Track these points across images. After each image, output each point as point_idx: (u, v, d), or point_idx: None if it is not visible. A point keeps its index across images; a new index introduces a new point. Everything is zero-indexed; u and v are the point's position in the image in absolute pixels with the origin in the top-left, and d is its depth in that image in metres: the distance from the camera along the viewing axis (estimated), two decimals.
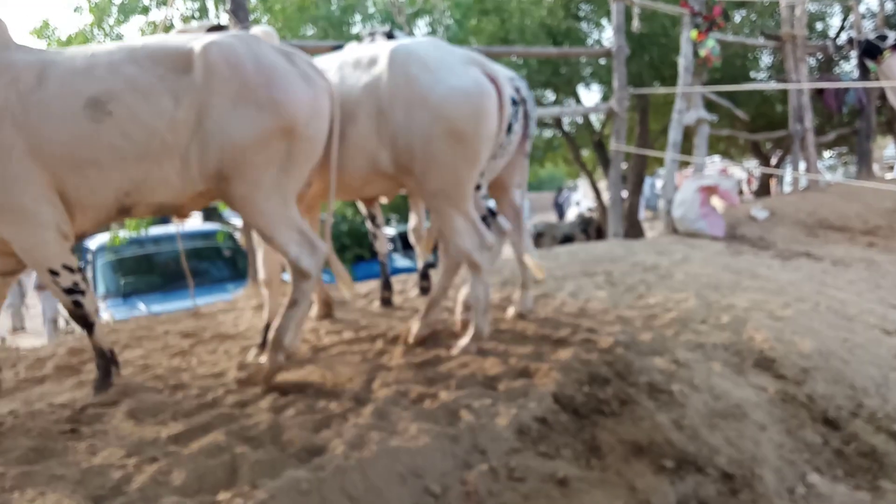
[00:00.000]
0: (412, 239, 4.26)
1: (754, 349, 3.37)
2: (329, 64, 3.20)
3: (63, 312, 11.66)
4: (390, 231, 14.44)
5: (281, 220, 2.73)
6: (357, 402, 2.65)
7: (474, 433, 2.34)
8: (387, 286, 4.23)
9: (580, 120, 12.17)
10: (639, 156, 10.82)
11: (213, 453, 2.19)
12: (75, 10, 7.73)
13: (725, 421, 2.78)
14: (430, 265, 4.42)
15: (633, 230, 10.68)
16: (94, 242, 7.84)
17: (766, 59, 11.73)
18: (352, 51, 3.30)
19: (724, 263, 5.16)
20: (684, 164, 9.26)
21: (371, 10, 9.22)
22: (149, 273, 8.86)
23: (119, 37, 6.95)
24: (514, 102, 3.37)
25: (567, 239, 12.57)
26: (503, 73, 3.32)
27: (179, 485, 2.03)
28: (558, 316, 3.63)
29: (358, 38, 8.01)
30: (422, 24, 9.43)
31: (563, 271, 4.68)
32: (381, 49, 3.08)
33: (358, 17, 9.18)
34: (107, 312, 7.80)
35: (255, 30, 3.52)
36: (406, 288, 4.65)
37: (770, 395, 3.06)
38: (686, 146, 7.28)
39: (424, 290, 4.30)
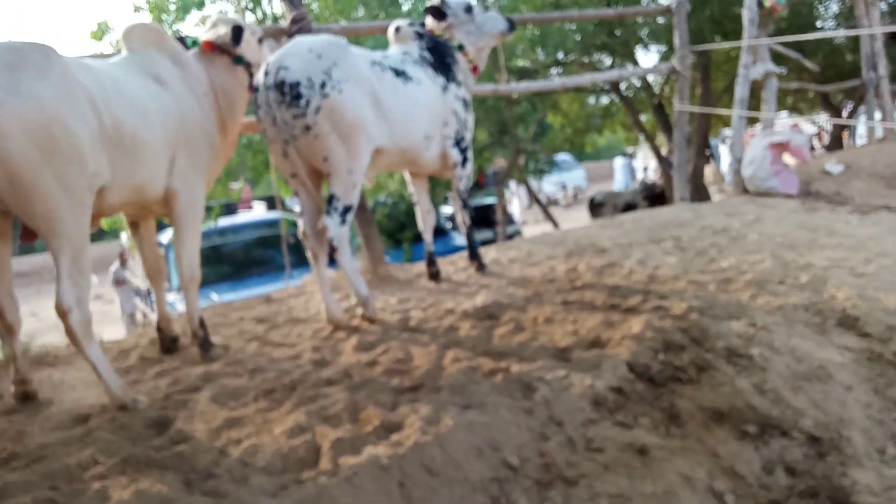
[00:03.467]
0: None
1: (836, 308, 3.25)
2: None
3: (140, 306, 12.17)
4: (448, 209, 14.47)
5: None
6: (430, 378, 2.67)
7: (549, 405, 2.33)
8: (431, 262, 4.27)
9: (638, 83, 11.85)
10: (703, 116, 10.46)
11: (294, 433, 2.25)
12: (136, 10, 7.94)
13: (809, 383, 2.69)
14: (476, 243, 4.40)
15: (699, 194, 10.36)
16: (165, 237, 8.11)
17: (833, 7, 11.15)
18: None
19: (799, 221, 4.96)
20: (751, 123, 8.91)
21: None
22: (218, 263, 9.15)
23: (177, 33, 7.16)
24: (256, 89, 3.28)
25: (629, 207, 12.32)
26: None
27: (265, 465, 2.09)
28: (627, 284, 3.56)
29: (411, 14, 7.91)
30: None
31: (628, 239, 4.59)
32: None
33: None
34: (182, 303, 8.08)
35: (137, 24, 3.20)
36: (468, 264, 4.65)
37: (855, 355, 2.94)
38: (751, 103, 6.99)
39: (480, 268, 4.29)
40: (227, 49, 3.36)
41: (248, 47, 3.42)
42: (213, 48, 3.35)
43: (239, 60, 3.39)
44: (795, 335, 2.96)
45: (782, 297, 3.29)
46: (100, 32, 7.27)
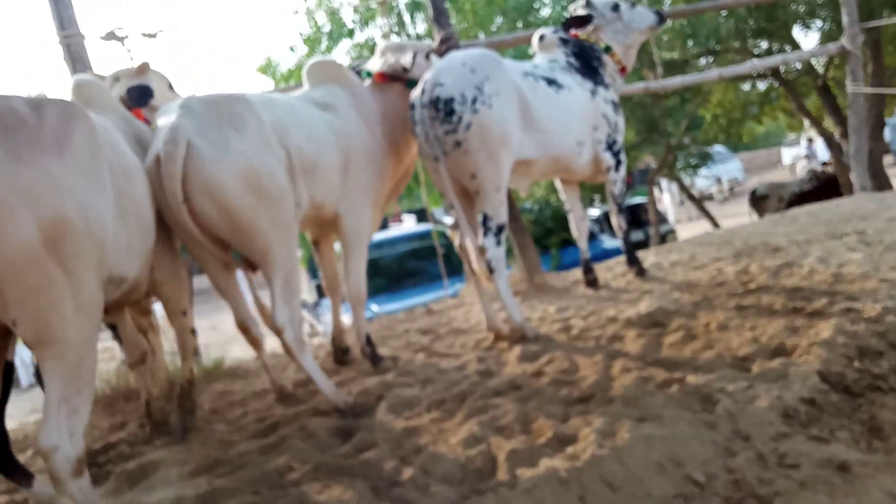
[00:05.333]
0: None
1: None
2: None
3: (307, 318, 12.93)
4: (595, 212, 14.17)
5: None
6: (600, 389, 2.62)
7: (734, 418, 2.21)
8: (588, 269, 4.22)
9: (798, 66, 11.01)
10: (876, 96, 9.54)
11: (470, 443, 2.29)
12: (290, 49, 8.56)
13: None
14: (636, 245, 4.28)
15: (877, 181, 9.43)
16: None
17: None
18: None
19: None
20: None
21: None
22: (376, 276, 9.56)
23: (353, 65, 7.68)
24: (412, 107, 3.30)
25: (797, 199, 11.42)
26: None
27: (444, 474, 2.15)
28: (808, 285, 3.31)
29: (550, 20, 7.84)
30: None
31: (804, 235, 4.26)
32: None
33: (546, 0, 9.10)
34: (345, 315, 8.53)
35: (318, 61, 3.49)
36: (626, 270, 4.52)
37: None
38: None
39: (640, 273, 4.17)
40: (398, 76, 3.51)
41: (418, 68, 3.55)
42: (384, 78, 3.52)
43: (411, 84, 3.52)
44: None
45: None
46: (266, 67, 7.89)
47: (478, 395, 2.77)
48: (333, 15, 8.57)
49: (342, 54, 8.76)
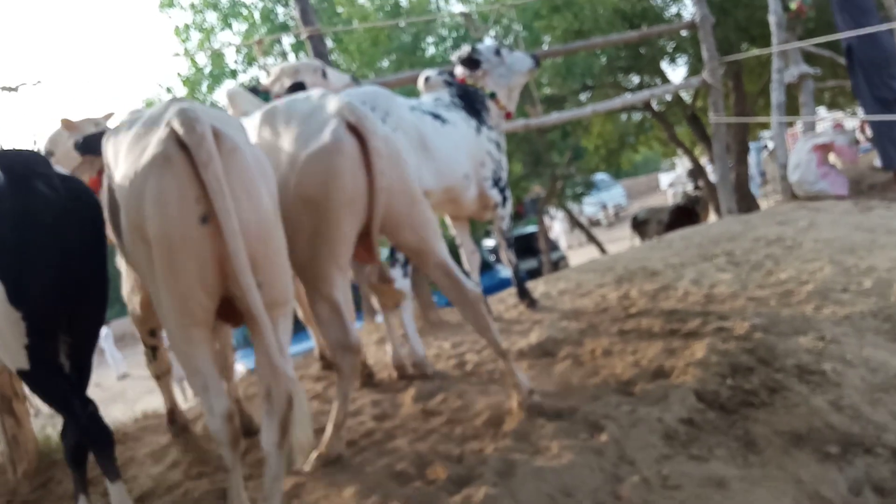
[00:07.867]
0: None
1: None
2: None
3: None
4: (491, 243, 14.44)
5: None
6: (493, 424, 2.63)
7: (619, 444, 2.27)
8: None
9: (669, 97, 11.75)
10: (739, 124, 10.30)
11: (364, 495, 2.24)
12: (168, 90, 8.30)
13: (888, 394, 2.57)
14: (524, 280, 4.37)
15: (745, 202, 10.14)
16: None
17: None
18: None
19: (854, 223, 4.80)
20: (790, 123, 8.72)
21: (443, 32, 9.30)
22: None
23: (214, 104, 7.40)
24: None
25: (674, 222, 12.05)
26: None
27: None
28: (683, 307, 3.48)
29: (434, 62, 7.98)
30: (488, 37, 9.45)
31: (679, 258, 4.50)
32: None
33: (430, 41, 9.30)
34: (240, 363, 8.18)
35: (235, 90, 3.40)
36: (518, 302, 4.61)
37: None
38: (788, 103, 6.85)
39: (531, 305, 4.27)
40: None
41: (314, 88, 3.52)
42: None
43: None
44: (867, 345, 2.83)
45: (848, 305, 3.17)
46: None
47: (372, 440, 2.72)
48: (216, 55, 8.40)
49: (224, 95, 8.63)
